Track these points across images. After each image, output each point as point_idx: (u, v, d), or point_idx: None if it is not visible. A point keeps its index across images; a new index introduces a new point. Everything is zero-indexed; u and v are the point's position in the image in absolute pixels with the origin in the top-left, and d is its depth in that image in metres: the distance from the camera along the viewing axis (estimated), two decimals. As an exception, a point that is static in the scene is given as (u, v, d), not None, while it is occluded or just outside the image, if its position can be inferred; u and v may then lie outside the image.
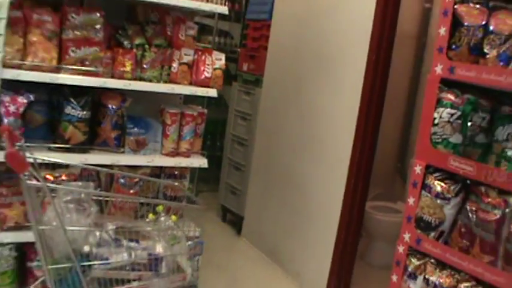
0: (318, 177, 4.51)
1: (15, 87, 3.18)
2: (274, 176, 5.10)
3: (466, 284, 2.50)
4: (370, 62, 4.02)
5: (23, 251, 3.42)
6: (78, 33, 3.27)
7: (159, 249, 2.81)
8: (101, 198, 2.91)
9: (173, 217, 2.97)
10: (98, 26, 3.33)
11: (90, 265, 2.54)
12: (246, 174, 5.59)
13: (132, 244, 2.76)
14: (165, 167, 3.75)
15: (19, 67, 3.11)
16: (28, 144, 2.75)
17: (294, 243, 4.74)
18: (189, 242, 3.17)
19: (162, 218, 2.97)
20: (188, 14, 3.81)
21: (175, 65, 3.57)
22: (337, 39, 4.37)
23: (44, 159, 2.92)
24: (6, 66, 3.04)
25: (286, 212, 4.88)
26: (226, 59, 6.20)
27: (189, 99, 4.13)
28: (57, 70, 3.21)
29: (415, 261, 2.73)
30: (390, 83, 4.27)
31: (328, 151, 4.41)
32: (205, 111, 3.88)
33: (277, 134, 5.08)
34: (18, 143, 2.55)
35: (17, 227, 3.26)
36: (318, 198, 4.49)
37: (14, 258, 3.39)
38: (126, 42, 3.49)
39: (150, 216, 2.97)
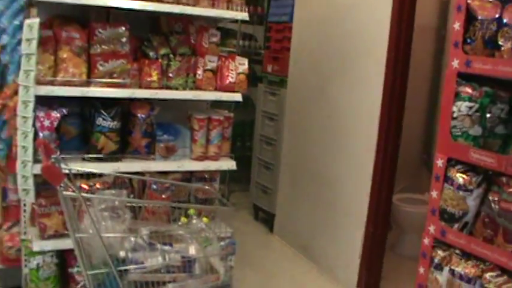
0: (345, 173, 4.59)
1: (49, 102, 3.33)
2: (303, 174, 5.19)
3: (491, 274, 2.54)
4: (389, 59, 4.08)
5: (64, 257, 3.58)
6: (105, 47, 3.41)
7: (192, 251, 2.90)
8: (134, 204, 3.04)
9: (205, 219, 3.07)
10: (123, 39, 3.45)
11: (126, 269, 2.64)
12: (275, 173, 5.69)
13: (166, 247, 2.86)
14: (195, 171, 3.84)
15: (51, 83, 3.26)
16: (63, 156, 2.90)
17: (325, 238, 4.83)
18: (221, 243, 3.25)
19: (194, 221, 3.07)
20: (211, 21, 3.91)
21: (200, 72, 3.68)
22: (357, 38, 4.43)
23: (78, 170, 3.07)
24: (39, 83, 3.19)
25: (316, 208, 4.96)
26: (251, 61, 6.32)
27: (217, 103, 4.22)
28: (87, 84, 3.35)
29: (440, 253, 2.79)
30: (413, 75, 4.34)
31: (354, 147, 4.49)
32: (232, 115, 3.97)
33: (304, 132, 5.16)
34: (53, 156, 2.70)
35: (57, 235, 3.41)
36: (346, 193, 4.57)
37: (55, 264, 3.56)
38: (151, 53, 3.60)
39: (183, 219, 3.08)
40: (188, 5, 3.52)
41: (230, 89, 3.74)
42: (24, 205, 3.61)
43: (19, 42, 3.25)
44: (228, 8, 3.66)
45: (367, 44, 4.33)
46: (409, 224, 5.11)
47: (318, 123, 4.96)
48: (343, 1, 4.64)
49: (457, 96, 2.74)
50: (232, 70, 3.75)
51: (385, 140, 4.19)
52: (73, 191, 2.46)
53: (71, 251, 3.06)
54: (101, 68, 3.38)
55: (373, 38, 4.26)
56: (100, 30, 3.41)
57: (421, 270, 2.89)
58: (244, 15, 3.71)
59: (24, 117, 3.20)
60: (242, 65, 3.78)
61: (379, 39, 4.15)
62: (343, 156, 4.61)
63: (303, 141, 5.20)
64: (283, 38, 5.58)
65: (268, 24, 5.99)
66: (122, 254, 2.71)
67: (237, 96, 3.75)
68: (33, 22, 3.11)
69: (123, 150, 3.60)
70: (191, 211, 3.10)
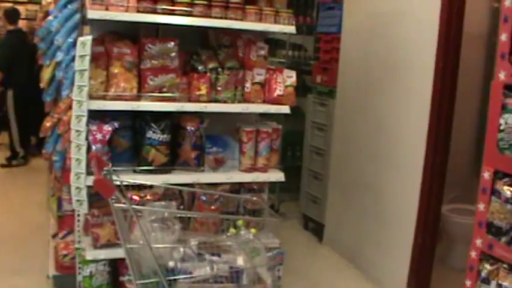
0: (393, 183, 4.57)
1: (101, 116, 3.44)
2: (352, 184, 5.20)
3: (539, 288, 2.53)
4: (437, 68, 4.07)
5: (116, 266, 3.68)
6: (155, 62, 3.51)
7: (240, 261, 2.94)
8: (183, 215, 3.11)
9: (253, 230, 3.11)
10: (173, 54, 3.55)
11: (175, 279, 2.71)
12: (324, 183, 5.70)
13: (214, 258, 2.92)
14: (244, 182, 3.90)
15: (103, 98, 3.38)
16: (115, 168, 2.99)
17: (374, 248, 4.82)
18: (269, 253, 3.30)
19: (242, 232, 3.11)
20: (258, 35, 3.96)
21: (248, 85, 3.73)
22: (405, 48, 4.43)
23: (129, 182, 3.17)
24: (92, 98, 3.32)
25: (365, 218, 4.96)
26: (301, 71, 6.36)
27: (267, 114, 4.26)
28: (137, 98, 3.45)
29: (488, 266, 2.77)
30: (464, 82, 4.30)
31: (402, 157, 4.47)
32: (280, 127, 4.01)
33: (352, 142, 5.17)
34: (105, 168, 2.80)
35: (109, 245, 3.52)
36: (395, 203, 4.56)
37: (107, 273, 3.68)
38: (200, 67, 3.67)
39: (231, 230, 3.13)
40: (236, 19, 3.58)
41: (278, 101, 3.78)
42: (78, 215, 3.72)
43: (73, 59, 3.38)
44: (275, 22, 3.71)
45: (415, 54, 4.32)
46: (459, 235, 5.04)
47: (366, 133, 4.96)
48: (390, 11, 4.64)
49: (504, 108, 2.71)
50: (280, 83, 3.79)
51: (433, 151, 4.17)
52: (124, 203, 2.55)
53: (123, 260, 3.16)
54: (151, 83, 3.47)
55: (421, 48, 4.25)
56: (150, 45, 3.51)
57: (468, 283, 2.87)
58: (291, 29, 3.75)
59: (77, 130, 3.32)
60: (290, 77, 3.81)
61: (427, 49, 4.14)
62: (392, 167, 4.60)
63: (351, 152, 5.21)
64: (331, 49, 5.60)
65: (317, 35, 6.02)
66: (171, 264, 2.78)
67: (285, 109, 3.78)
68: (86, 39, 3.23)
69: (173, 162, 3.68)
70: (239, 222, 3.15)
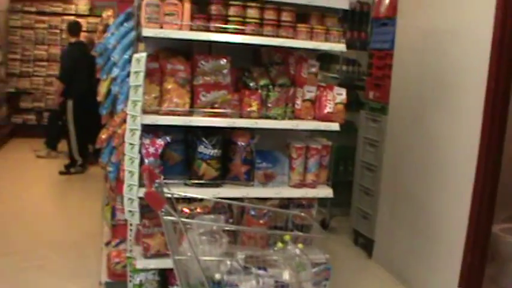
0: (444, 200, 4.54)
1: (154, 130, 3.55)
2: (402, 200, 5.18)
3: None
4: (489, 88, 4.04)
5: (165, 276, 3.78)
6: (207, 78, 3.61)
7: (286, 276, 2.99)
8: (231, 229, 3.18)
9: (300, 245, 3.15)
10: (225, 71, 3.64)
11: (221, 291, 2.78)
12: (375, 198, 5.69)
13: (261, 272, 2.98)
14: (293, 198, 3.95)
15: (157, 113, 3.49)
16: (166, 181, 3.09)
17: (423, 266, 4.79)
18: (315, 269, 3.33)
19: (289, 247, 3.15)
20: (310, 52, 4.02)
21: (298, 102, 3.79)
22: (458, 66, 4.41)
23: (180, 194, 3.25)
24: (145, 112, 3.43)
25: (414, 235, 4.94)
26: (355, 86, 6.37)
27: (317, 130, 4.29)
28: (190, 113, 3.55)
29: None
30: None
31: (453, 174, 4.45)
32: (330, 143, 4.04)
33: (404, 159, 5.16)
34: (157, 181, 2.89)
35: (159, 255, 3.62)
36: (445, 220, 4.53)
37: (157, 282, 3.78)
38: (252, 84, 3.74)
39: (279, 245, 3.18)
40: (287, 37, 3.65)
41: (328, 118, 3.81)
42: (131, 225, 3.83)
43: (128, 75, 3.50)
44: (326, 40, 3.75)
45: (468, 72, 4.30)
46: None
47: (417, 151, 4.94)
48: (443, 29, 4.63)
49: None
50: (330, 100, 3.82)
51: (484, 170, 4.13)
52: (173, 216, 2.64)
53: (172, 270, 3.24)
54: (203, 99, 3.56)
55: (473, 67, 4.23)
56: (203, 62, 3.61)
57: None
58: (341, 47, 3.79)
59: (131, 144, 3.43)
60: (340, 95, 3.84)
61: (479, 68, 4.11)
62: (442, 184, 4.57)
63: (402, 168, 5.19)
64: (384, 65, 5.60)
65: (371, 51, 6.03)
66: (218, 276, 2.85)
67: (335, 126, 3.81)
68: (140, 56, 3.34)
69: (223, 177, 3.76)
70: (287, 237, 3.19)
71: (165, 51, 3.73)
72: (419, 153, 4.91)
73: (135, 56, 3.39)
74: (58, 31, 11.41)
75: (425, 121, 4.82)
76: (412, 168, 5.01)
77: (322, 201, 4.15)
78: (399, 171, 5.24)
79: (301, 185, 3.89)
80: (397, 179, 5.28)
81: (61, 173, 8.77)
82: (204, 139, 3.64)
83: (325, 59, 6.57)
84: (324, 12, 3.79)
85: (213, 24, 3.52)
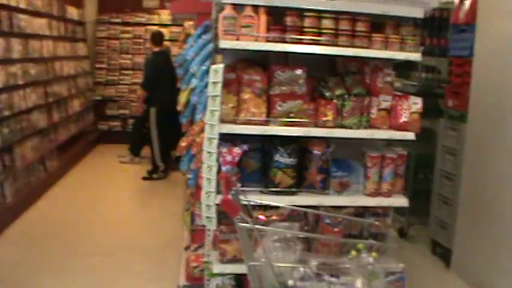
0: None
1: (232, 138, 3.65)
2: (482, 211, 5.09)
3: None
4: None
5: (241, 280, 3.87)
6: (283, 88, 3.68)
7: (358, 284, 3.01)
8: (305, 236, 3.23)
9: (374, 254, 3.16)
10: (301, 81, 3.70)
11: (294, 297, 2.84)
12: (454, 208, 5.62)
13: (333, 279, 3.00)
14: (368, 206, 3.96)
15: (234, 122, 3.60)
16: (243, 188, 3.18)
17: (504, 279, 4.69)
18: (389, 278, 3.34)
19: (363, 255, 3.17)
20: (386, 61, 4.02)
21: (374, 111, 3.80)
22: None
23: (256, 202, 3.33)
24: (223, 122, 3.54)
25: (495, 246, 4.85)
26: (434, 94, 6.28)
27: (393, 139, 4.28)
28: (266, 123, 3.63)
29: None
30: None
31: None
32: (405, 153, 4.02)
33: (484, 169, 5.08)
34: (233, 188, 2.98)
35: (235, 260, 3.71)
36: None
37: (232, 286, 3.88)
38: (327, 93, 3.78)
39: (352, 253, 3.21)
40: (362, 47, 3.67)
41: (403, 128, 3.80)
42: (208, 230, 3.94)
43: (206, 85, 3.61)
44: (401, 49, 3.75)
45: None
46: None
47: (498, 160, 4.86)
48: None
49: None
50: (405, 109, 3.81)
51: None
52: (248, 223, 2.71)
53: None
54: (279, 108, 3.64)
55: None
56: (279, 72, 3.68)
57: None
58: (417, 56, 3.77)
59: (209, 152, 3.55)
60: (416, 104, 3.83)
61: None
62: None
63: (483, 178, 5.11)
64: (463, 73, 5.53)
65: (450, 58, 5.96)
66: (291, 282, 2.90)
67: (410, 135, 3.80)
68: (218, 67, 3.46)
69: (298, 185, 3.81)
70: (360, 245, 3.21)
71: (242, 62, 3.83)
72: (499, 162, 4.83)
73: (213, 67, 3.51)
74: (142, 41, 11.78)
75: (505, 130, 4.74)
76: (493, 178, 4.93)
77: (400, 209, 4.14)
78: (479, 181, 5.16)
79: (376, 193, 3.90)
80: (477, 188, 5.20)
81: (144, 178, 9.05)
82: (280, 148, 3.71)
83: (405, 66, 6.54)
84: (399, 21, 3.79)
85: (289, 36, 3.59)
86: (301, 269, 2.99)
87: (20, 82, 7.42)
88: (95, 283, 5.04)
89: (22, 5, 7.64)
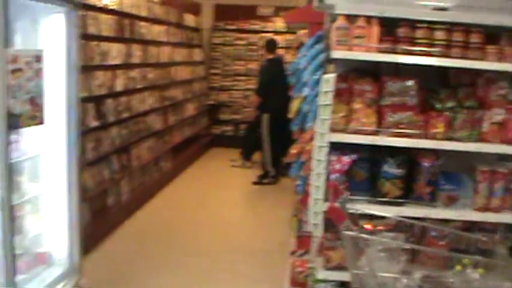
0: None
1: (341, 147, 3.71)
2: None
3: None
4: None
5: (344, 287, 3.90)
6: (394, 99, 3.70)
7: (462, 299, 2.99)
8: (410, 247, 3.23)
9: (480, 270, 3.11)
10: (412, 92, 3.71)
11: (395, 308, 2.85)
12: None
13: (436, 293, 3.00)
14: (476, 221, 3.89)
15: (344, 131, 3.65)
16: (351, 197, 3.23)
17: None
18: (496, 296, 3.27)
19: (468, 271, 3.13)
20: (499, 74, 3.93)
21: (485, 124, 3.72)
22: None
23: (363, 211, 3.37)
24: (333, 130, 3.60)
25: None
26: None
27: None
28: (376, 133, 3.65)
29: None
30: None
31: None
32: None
33: None
34: (341, 197, 3.04)
35: (339, 267, 3.74)
36: None
37: (336, 293, 3.92)
38: (438, 105, 3.76)
39: (458, 267, 3.17)
40: (476, 59, 3.62)
41: (516, 143, 3.73)
42: (315, 236, 3.98)
43: (317, 94, 3.69)
44: (517, 62, 3.67)
45: None
46: None
47: None
48: None
49: None
50: (519, 124, 3.73)
51: None
52: (353, 231, 2.77)
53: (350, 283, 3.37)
54: (389, 119, 3.65)
55: None
56: (390, 83, 3.71)
57: None
58: (531, 69, 3.69)
59: (318, 160, 3.62)
60: (530, 118, 3.74)
61: None
62: None
63: None
64: None
65: None
66: (393, 293, 2.93)
67: (524, 151, 3.72)
68: (330, 77, 3.52)
69: (406, 196, 3.81)
70: (466, 260, 3.17)
71: (354, 72, 3.88)
72: None
73: (325, 76, 3.58)
74: (256, 48, 12.00)
75: None
76: None
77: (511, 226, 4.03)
78: None
79: (485, 208, 3.81)
80: None
81: (254, 183, 9.21)
82: (389, 159, 3.72)
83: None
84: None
85: (401, 46, 3.60)
86: (404, 280, 2.99)
87: (139, 86, 7.80)
88: (201, 282, 5.23)
89: (143, 13, 8.03)
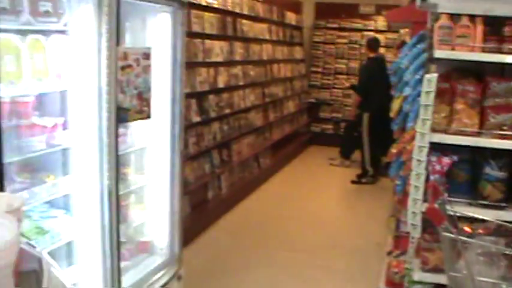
0: None
1: (442, 148, 3.66)
2: None
3: None
4: None
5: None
6: (498, 100, 3.59)
7: None
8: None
9: None
10: (517, 93, 3.60)
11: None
12: None
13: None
14: None
15: (445, 132, 3.59)
16: (450, 198, 3.18)
17: None
18: None
19: None
20: None
21: None
22: None
23: (462, 213, 3.31)
24: (434, 131, 3.55)
25: None
26: None
27: None
28: (478, 134, 3.58)
29: None
30: None
31: None
32: None
33: None
34: (440, 198, 3.00)
35: (436, 269, 3.69)
36: None
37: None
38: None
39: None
40: None
41: None
42: (412, 237, 3.95)
43: (419, 94, 3.64)
44: None
45: None
46: None
47: None
48: None
49: None
50: None
51: None
52: (452, 233, 2.73)
53: (445, 286, 3.32)
54: (492, 120, 3.57)
55: None
56: (494, 84, 3.61)
57: None
58: None
59: (418, 160, 3.59)
60: None
61: None
62: None
63: None
64: None
65: None
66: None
67: None
68: (432, 76, 3.48)
69: (508, 200, 3.70)
70: None
71: (456, 72, 3.81)
72: None
73: (427, 76, 3.53)
74: (357, 46, 11.94)
75: None
76: None
77: None
78: None
79: None
80: None
81: (353, 182, 9.20)
82: (491, 161, 3.63)
83: None
84: None
85: (507, 46, 3.50)
86: (504, 287, 2.93)
87: (241, 83, 7.95)
88: (296, 278, 5.29)
89: (245, 11, 8.17)
